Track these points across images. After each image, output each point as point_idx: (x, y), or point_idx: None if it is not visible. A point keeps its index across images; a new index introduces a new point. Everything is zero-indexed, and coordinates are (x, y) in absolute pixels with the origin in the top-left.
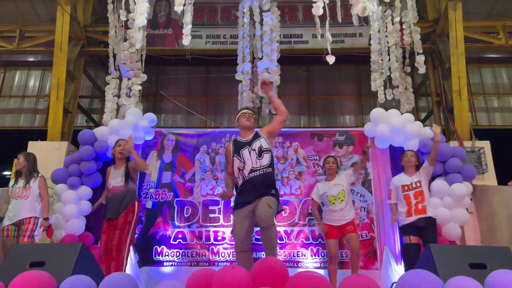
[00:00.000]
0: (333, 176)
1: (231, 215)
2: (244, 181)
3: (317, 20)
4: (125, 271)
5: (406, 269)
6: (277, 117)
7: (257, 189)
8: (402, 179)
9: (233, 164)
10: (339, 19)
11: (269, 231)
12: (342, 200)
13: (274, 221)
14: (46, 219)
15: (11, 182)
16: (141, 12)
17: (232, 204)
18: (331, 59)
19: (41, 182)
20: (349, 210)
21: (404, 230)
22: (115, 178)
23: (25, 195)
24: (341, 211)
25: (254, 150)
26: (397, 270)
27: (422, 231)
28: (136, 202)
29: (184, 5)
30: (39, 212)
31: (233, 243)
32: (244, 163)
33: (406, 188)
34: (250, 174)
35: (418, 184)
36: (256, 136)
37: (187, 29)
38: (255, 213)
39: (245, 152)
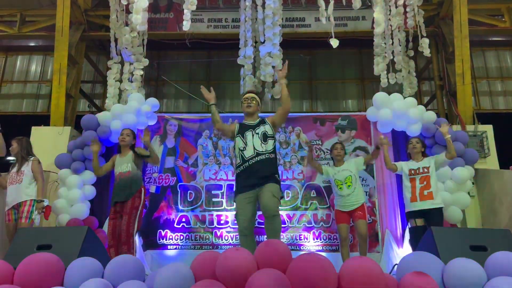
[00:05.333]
0: (341, 162)
1: (234, 200)
2: (249, 164)
3: (321, 3)
4: (136, 255)
5: None
6: (279, 110)
7: (262, 173)
8: (410, 164)
9: (235, 143)
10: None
11: (274, 220)
12: (349, 186)
13: (279, 210)
14: (40, 201)
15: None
16: None
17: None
18: (335, 43)
19: (34, 165)
20: (357, 195)
21: (410, 215)
22: (121, 165)
23: (19, 180)
24: (349, 197)
25: (258, 134)
26: (398, 253)
27: (427, 218)
28: (142, 189)
29: None
30: (35, 195)
31: (236, 226)
32: (246, 144)
33: (412, 172)
34: (256, 158)
35: (425, 170)
36: (262, 121)
37: (187, 14)
38: (259, 199)
39: (248, 134)
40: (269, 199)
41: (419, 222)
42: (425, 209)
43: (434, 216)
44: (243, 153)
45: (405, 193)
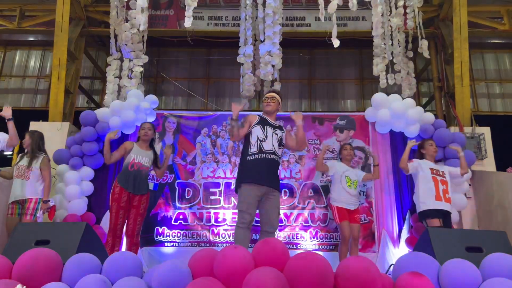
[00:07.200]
0: (349, 163)
1: (240, 187)
2: (265, 157)
3: (321, 2)
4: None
5: None
6: (292, 142)
7: (274, 172)
8: (428, 162)
9: (252, 132)
10: (340, 2)
11: (273, 235)
12: (355, 188)
13: None
14: (46, 201)
15: (17, 160)
16: None
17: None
18: (336, 43)
19: (43, 163)
20: (358, 198)
21: (429, 213)
22: (142, 157)
23: (27, 176)
24: (354, 197)
25: (277, 135)
26: (395, 253)
27: (443, 220)
28: None
29: None
30: (41, 193)
31: (234, 224)
32: (266, 136)
33: (434, 172)
34: (272, 155)
35: (443, 173)
36: (281, 128)
37: (188, 10)
38: (265, 209)
39: (269, 129)
40: (276, 217)
41: (437, 222)
42: (446, 210)
43: (449, 221)
44: (261, 144)
45: (423, 192)
